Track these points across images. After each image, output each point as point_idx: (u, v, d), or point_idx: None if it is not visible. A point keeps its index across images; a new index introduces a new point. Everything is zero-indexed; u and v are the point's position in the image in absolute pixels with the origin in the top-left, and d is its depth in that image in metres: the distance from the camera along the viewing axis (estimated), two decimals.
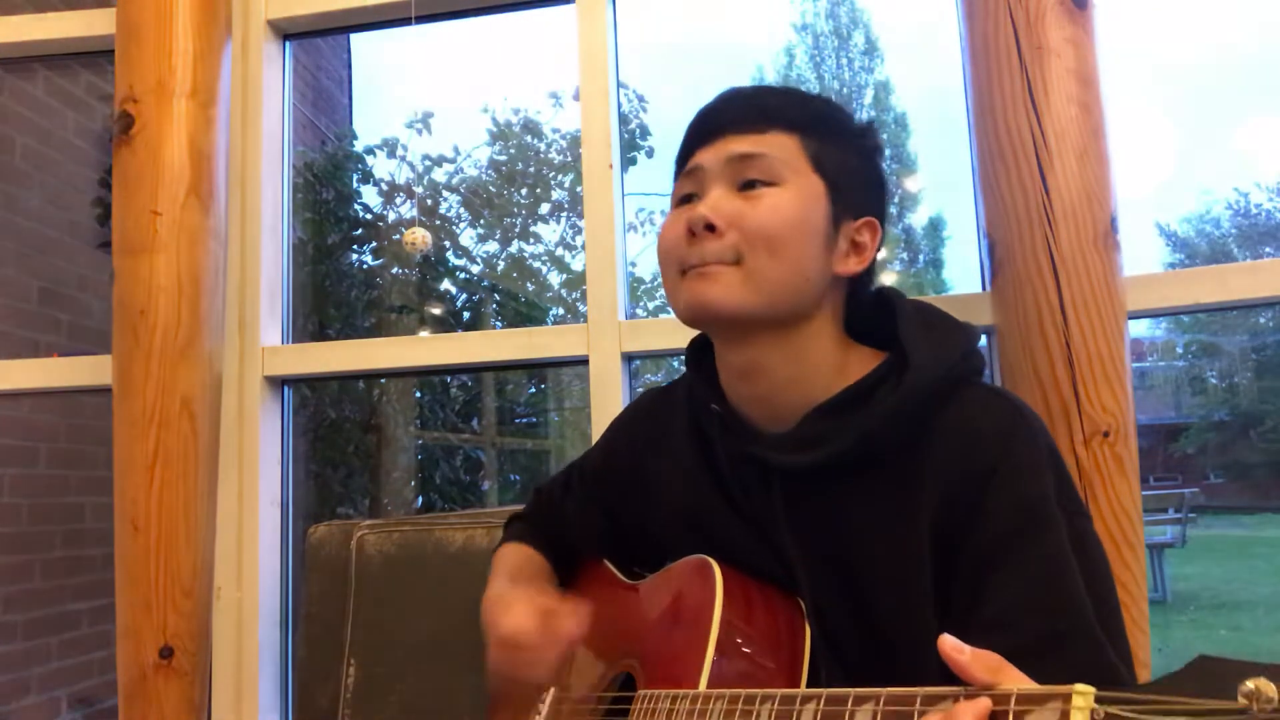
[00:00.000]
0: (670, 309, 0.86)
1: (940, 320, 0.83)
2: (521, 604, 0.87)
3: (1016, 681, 0.50)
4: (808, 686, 0.75)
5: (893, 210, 0.88)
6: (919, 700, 0.52)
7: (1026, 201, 1.19)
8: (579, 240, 3.95)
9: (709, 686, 0.71)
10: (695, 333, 0.91)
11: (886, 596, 0.76)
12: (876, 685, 0.73)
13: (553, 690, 0.95)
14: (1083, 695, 0.43)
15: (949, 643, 0.52)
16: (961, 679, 0.52)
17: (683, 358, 0.95)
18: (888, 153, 0.92)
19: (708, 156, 0.84)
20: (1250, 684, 0.37)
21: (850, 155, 0.84)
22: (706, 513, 0.87)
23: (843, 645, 0.78)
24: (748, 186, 0.81)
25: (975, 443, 0.75)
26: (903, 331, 0.80)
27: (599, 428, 1.47)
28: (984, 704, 0.48)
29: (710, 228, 0.80)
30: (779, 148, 0.81)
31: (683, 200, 0.86)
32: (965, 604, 0.72)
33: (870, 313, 0.86)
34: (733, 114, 0.85)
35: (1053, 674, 0.50)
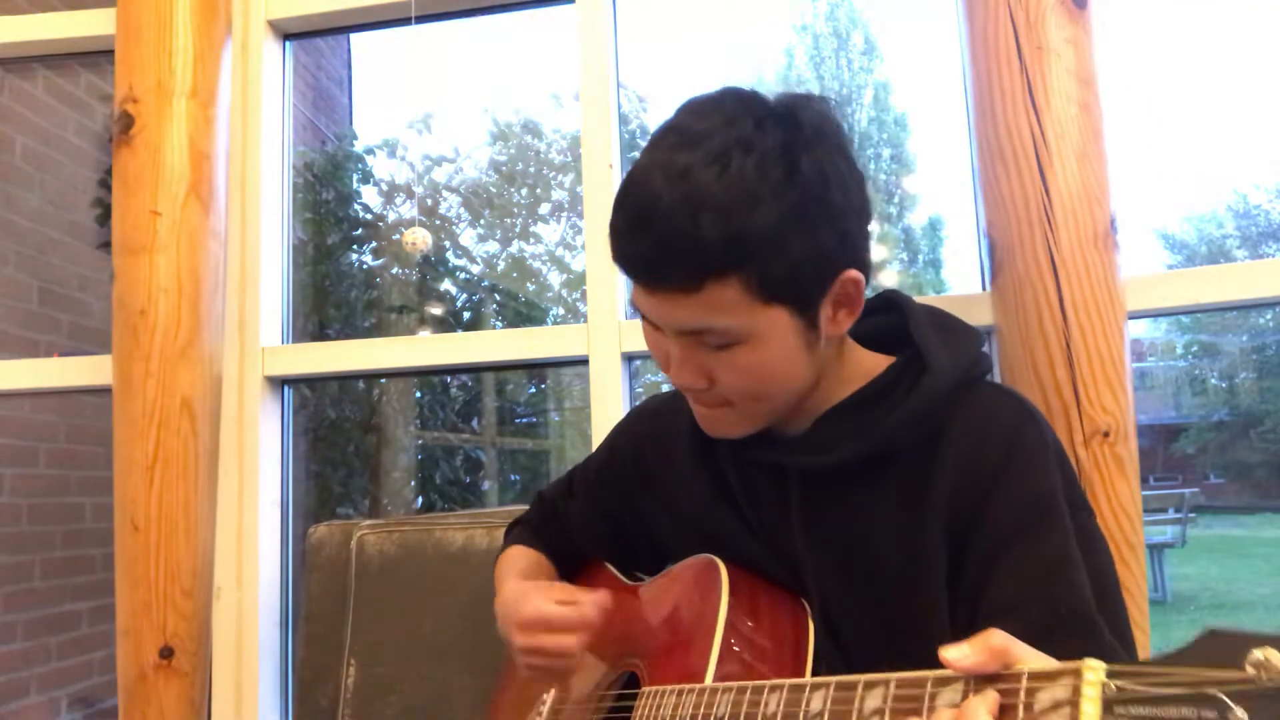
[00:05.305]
0: None
1: (952, 323, 0.84)
2: (540, 591, 0.88)
3: (1026, 657, 0.49)
4: None
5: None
6: (930, 683, 0.51)
7: (1026, 201, 1.19)
8: (579, 240, 3.95)
9: (715, 681, 0.71)
10: None
11: (899, 596, 0.76)
12: None
13: (553, 690, 0.95)
14: (1094, 670, 0.43)
15: (949, 654, 0.50)
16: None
17: None
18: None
19: (650, 308, 0.75)
20: (1258, 654, 0.37)
21: (793, 236, 0.70)
22: (712, 517, 0.87)
23: (850, 647, 0.78)
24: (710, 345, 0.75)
25: (985, 438, 0.76)
26: (916, 334, 0.81)
27: (599, 428, 1.47)
28: (992, 697, 0.47)
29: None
30: (722, 307, 0.71)
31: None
32: (972, 593, 0.73)
33: (871, 313, 0.85)
34: (656, 272, 0.72)
35: (1052, 656, 0.50)
